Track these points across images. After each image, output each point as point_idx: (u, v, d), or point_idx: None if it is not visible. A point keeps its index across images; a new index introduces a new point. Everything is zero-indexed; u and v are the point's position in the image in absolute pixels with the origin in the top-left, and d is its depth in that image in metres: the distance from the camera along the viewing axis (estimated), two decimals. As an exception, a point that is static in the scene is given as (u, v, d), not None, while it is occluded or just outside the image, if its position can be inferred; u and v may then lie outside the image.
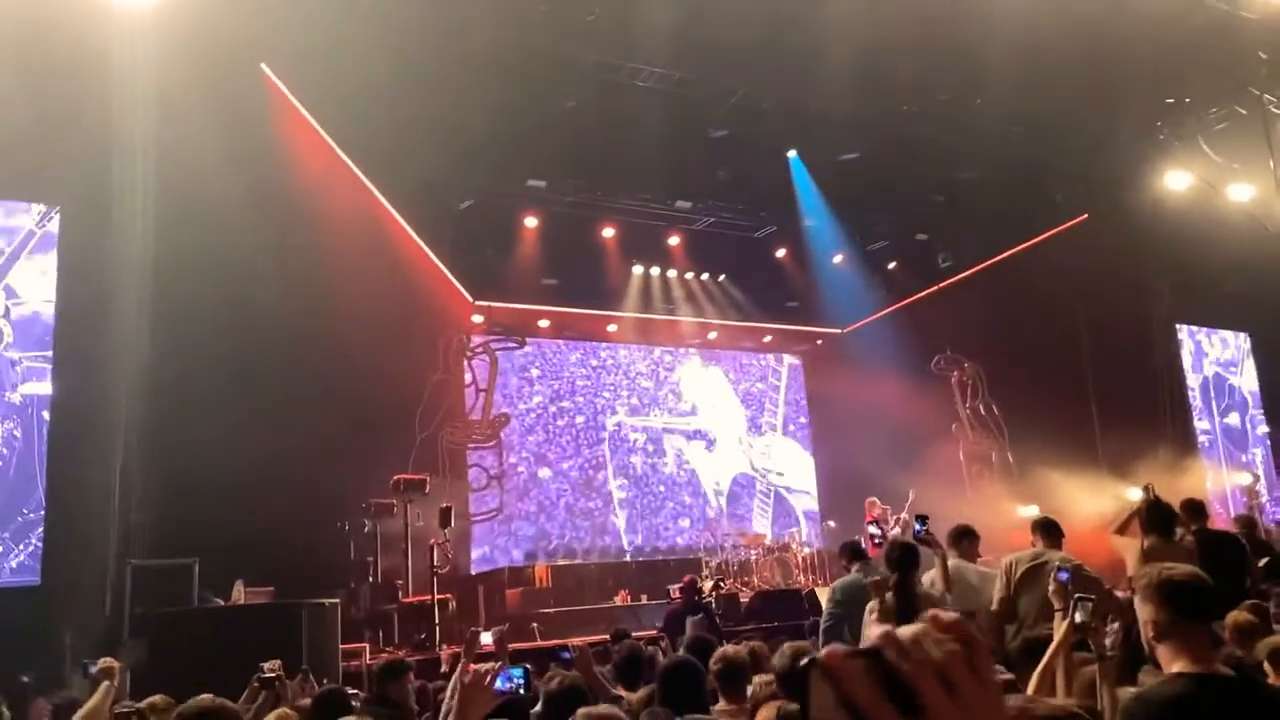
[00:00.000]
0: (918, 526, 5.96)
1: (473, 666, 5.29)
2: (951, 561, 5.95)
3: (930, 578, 5.77)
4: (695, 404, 19.84)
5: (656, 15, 11.10)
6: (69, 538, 10.45)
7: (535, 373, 18.24)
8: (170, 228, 11.00)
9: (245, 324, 11.65)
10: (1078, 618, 3.39)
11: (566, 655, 4.38)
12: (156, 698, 4.87)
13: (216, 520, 11.02)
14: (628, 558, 17.48)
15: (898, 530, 11.33)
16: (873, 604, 4.89)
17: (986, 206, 15.90)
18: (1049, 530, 5.89)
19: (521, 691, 2.71)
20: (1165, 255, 15.46)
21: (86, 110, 10.28)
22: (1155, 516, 5.91)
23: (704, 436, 19.68)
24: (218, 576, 10.44)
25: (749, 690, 4.03)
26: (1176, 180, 14.52)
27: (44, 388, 10.88)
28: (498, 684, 2.70)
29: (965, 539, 6.17)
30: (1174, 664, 2.60)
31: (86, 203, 11.01)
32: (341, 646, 9.46)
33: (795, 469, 20.64)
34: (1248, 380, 18.65)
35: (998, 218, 16.23)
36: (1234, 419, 18.00)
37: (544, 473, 17.71)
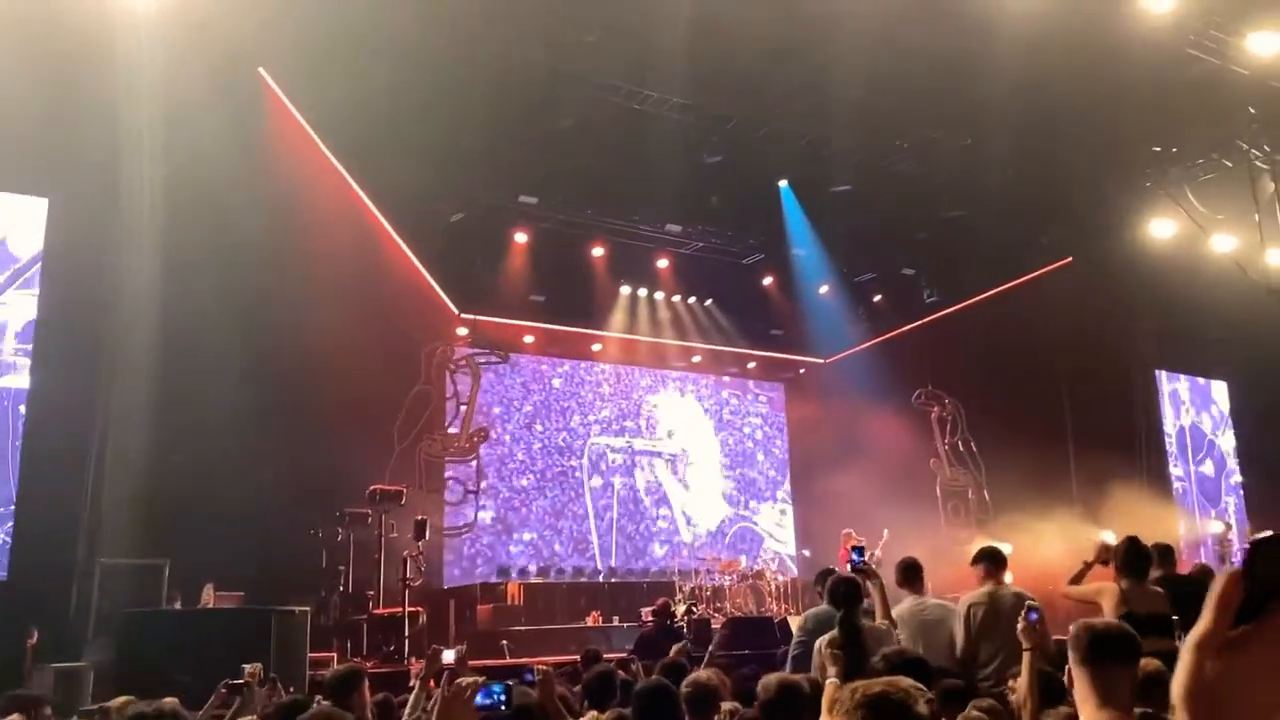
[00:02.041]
0: (855, 557, 5.87)
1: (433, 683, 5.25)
2: (909, 600, 5.89)
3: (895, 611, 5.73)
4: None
5: (657, 40, 11.17)
6: (39, 533, 10.32)
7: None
8: (165, 229, 10.96)
9: (225, 327, 11.56)
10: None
11: (529, 678, 4.33)
12: (118, 700, 4.82)
13: (188, 522, 10.94)
14: (601, 578, 17.48)
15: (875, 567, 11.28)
16: (823, 640, 4.68)
17: (973, 245, 16.06)
18: (994, 559, 5.78)
19: (503, 709, 2.66)
20: (1147, 301, 15.60)
21: (80, 107, 10.24)
22: (1132, 557, 5.61)
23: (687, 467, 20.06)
24: (188, 579, 10.35)
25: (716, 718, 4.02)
26: (1161, 228, 14.68)
27: (22, 381, 10.78)
28: (479, 699, 2.65)
29: (913, 573, 6.05)
30: (1084, 707, 2.35)
31: (75, 199, 10.95)
32: (310, 655, 9.37)
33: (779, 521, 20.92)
34: (1225, 432, 18.78)
35: (983, 257, 16.39)
36: (1209, 468, 18.11)
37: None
